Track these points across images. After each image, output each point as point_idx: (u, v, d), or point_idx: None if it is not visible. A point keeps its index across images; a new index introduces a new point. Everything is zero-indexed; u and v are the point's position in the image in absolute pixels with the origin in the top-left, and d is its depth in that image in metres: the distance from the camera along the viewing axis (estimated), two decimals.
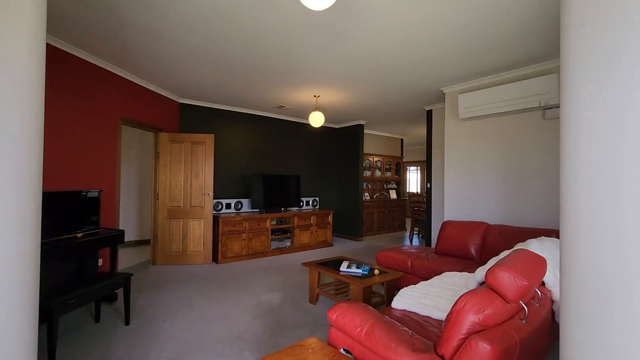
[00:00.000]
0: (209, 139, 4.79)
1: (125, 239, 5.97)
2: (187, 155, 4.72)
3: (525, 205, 3.65)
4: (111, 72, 3.70)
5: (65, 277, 2.81)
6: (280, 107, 5.58)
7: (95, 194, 3.22)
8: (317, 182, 7.04)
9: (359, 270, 3.00)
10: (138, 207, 6.09)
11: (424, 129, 7.64)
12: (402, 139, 9.01)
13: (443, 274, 2.72)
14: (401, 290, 2.30)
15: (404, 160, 9.36)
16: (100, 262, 3.45)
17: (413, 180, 11.84)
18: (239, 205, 5.48)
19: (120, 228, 5.62)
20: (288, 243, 5.66)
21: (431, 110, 5.46)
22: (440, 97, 4.87)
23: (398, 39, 2.98)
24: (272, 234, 5.41)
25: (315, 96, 4.91)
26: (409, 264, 3.50)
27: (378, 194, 8.08)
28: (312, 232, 5.92)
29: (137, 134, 6.06)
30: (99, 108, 3.56)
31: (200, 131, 5.29)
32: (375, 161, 8.00)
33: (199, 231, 4.74)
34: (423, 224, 6.64)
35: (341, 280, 3.00)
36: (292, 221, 5.71)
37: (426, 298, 2.14)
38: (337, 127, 7.35)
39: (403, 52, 3.26)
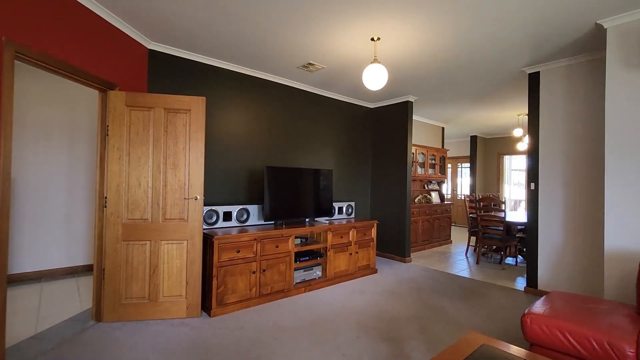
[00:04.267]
0: (196, 104, 2.83)
1: (73, 264, 3.97)
2: (158, 131, 2.75)
3: None
4: None
5: None
6: (308, 65, 3.65)
7: None
8: (350, 181, 5.14)
9: None
10: (92, 215, 4.08)
11: (481, 112, 5.78)
12: (443, 128, 7.19)
13: None
14: None
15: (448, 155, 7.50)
16: None
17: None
18: (244, 216, 3.52)
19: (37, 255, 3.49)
20: (318, 272, 3.74)
21: (538, 74, 3.61)
22: (573, 47, 3.01)
23: None
24: (296, 260, 3.48)
25: (373, 39, 3.00)
26: None
27: (420, 196, 6.23)
28: (350, 253, 4.01)
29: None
30: None
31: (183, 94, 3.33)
32: (418, 154, 6.14)
33: (178, 261, 2.78)
34: (497, 240, 4.80)
35: None
36: (324, 239, 3.80)
37: None
38: (372, 106, 5.46)
39: None
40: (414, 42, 3.05)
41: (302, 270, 3.57)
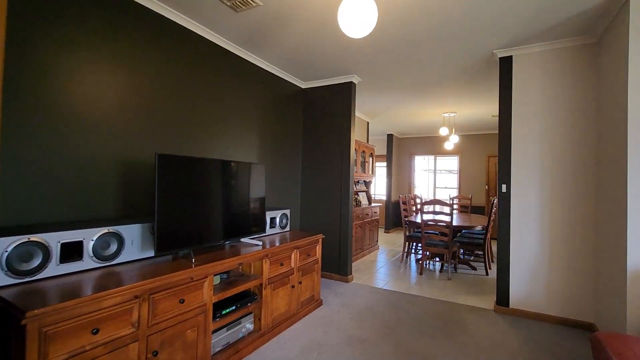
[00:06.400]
0: None
1: None
2: None
3: None
4: None
5: None
6: None
7: None
8: (279, 182, 3.86)
9: None
10: None
11: (411, 107, 5.31)
12: (368, 122, 6.61)
13: None
14: None
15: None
16: None
17: None
18: (112, 247, 1.88)
19: None
20: (249, 325, 2.37)
21: (510, 58, 3.13)
22: (567, 26, 2.54)
23: None
24: (215, 317, 2.05)
25: None
26: None
27: None
28: (293, 286, 2.78)
29: None
30: None
31: None
32: None
33: None
34: (441, 247, 4.32)
35: None
36: (257, 270, 2.46)
37: None
38: (304, 86, 4.32)
39: None
40: None
41: (225, 329, 2.16)
